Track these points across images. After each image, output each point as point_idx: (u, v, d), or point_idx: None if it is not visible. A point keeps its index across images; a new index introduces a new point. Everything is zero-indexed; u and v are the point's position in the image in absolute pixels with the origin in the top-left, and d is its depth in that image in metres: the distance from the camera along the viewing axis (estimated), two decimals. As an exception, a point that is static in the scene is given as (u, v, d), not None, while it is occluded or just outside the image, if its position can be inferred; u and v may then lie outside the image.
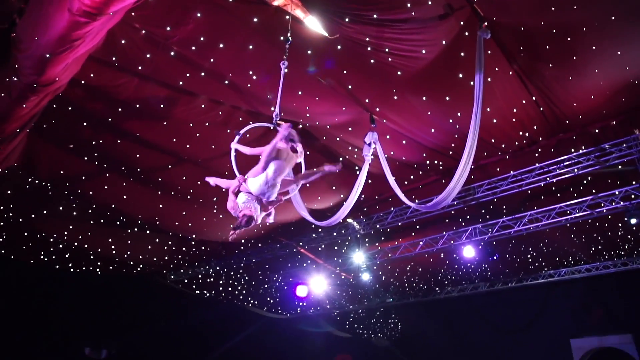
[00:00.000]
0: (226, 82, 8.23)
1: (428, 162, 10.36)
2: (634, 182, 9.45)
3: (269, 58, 7.68)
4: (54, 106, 7.89)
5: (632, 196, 9.40)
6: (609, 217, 10.94)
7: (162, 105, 8.66)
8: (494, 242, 12.05)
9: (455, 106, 8.66)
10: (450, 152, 10.06)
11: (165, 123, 9.04)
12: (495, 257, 12.00)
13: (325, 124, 9.40)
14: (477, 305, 16.92)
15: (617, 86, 8.03)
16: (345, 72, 8.03)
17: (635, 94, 8.21)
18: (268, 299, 18.10)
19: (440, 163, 10.47)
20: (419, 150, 9.98)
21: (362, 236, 12.96)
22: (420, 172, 10.98)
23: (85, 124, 8.79)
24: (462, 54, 7.82)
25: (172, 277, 16.47)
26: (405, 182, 11.15)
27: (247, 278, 16.49)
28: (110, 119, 8.83)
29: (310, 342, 19.93)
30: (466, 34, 7.53)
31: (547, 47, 7.45)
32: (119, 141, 9.39)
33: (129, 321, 15.67)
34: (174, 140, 9.42)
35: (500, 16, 7.22)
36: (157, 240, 13.17)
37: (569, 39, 7.17)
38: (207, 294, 17.54)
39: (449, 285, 16.71)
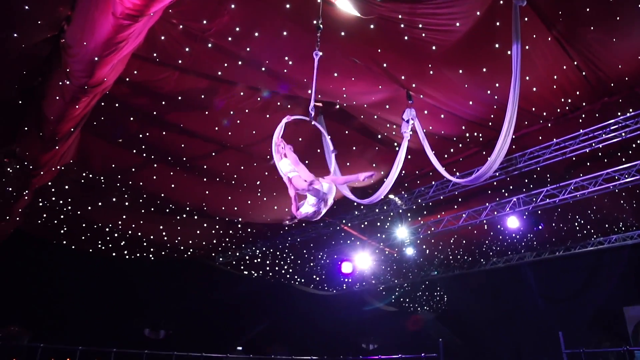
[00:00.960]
0: (263, 69, 8.40)
1: (467, 134, 10.28)
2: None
3: (303, 43, 7.78)
4: (102, 104, 8.30)
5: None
6: None
7: (202, 96, 8.95)
8: (539, 212, 11.88)
9: (493, 77, 8.53)
10: (490, 124, 9.93)
11: (206, 112, 9.34)
12: (540, 227, 11.86)
13: (362, 103, 9.46)
14: (524, 276, 16.75)
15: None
16: (379, 50, 8.03)
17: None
18: (314, 276, 18.56)
19: (480, 135, 10.36)
20: (458, 124, 9.91)
21: (404, 211, 13.04)
22: (460, 145, 10.91)
23: (132, 118, 9.21)
24: (498, 23, 7.67)
25: (221, 259, 17.13)
26: (446, 156, 11.13)
27: (292, 257, 16.94)
28: (155, 112, 9.21)
29: (357, 317, 20.35)
30: (501, 2, 7.36)
31: (587, 9, 7.22)
32: (164, 133, 9.80)
33: (182, 302, 16.50)
34: (216, 128, 9.73)
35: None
36: (205, 225, 13.71)
37: (610, -1, 6.92)
38: (255, 274, 18.14)
39: (494, 256, 16.60)
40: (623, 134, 9.59)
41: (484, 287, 18.25)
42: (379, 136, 10.95)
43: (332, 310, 19.31)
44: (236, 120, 9.66)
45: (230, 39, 7.51)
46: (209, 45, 7.66)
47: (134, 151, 10.11)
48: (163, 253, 15.47)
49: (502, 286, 17.80)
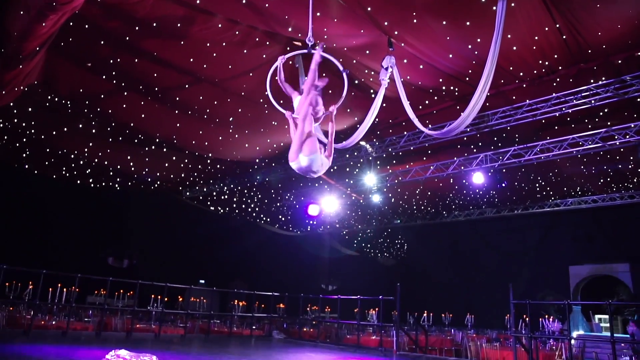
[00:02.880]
0: (244, 1, 8.09)
1: (444, 87, 10.31)
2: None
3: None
4: (71, 24, 7.87)
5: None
6: (621, 150, 11.00)
7: (179, 24, 8.59)
8: (504, 170, 12.25)
9: (476, 32, 8.46)
10: (467, 79, 9.97)
11: (182, 42, 9.01)
12: (504, 184, 12.26)
13: (342, 46, 9.29)
14: (483, 230, 17.49)
15: (644, 14, 7.76)
16: (365, -7, 7.83)
17: (663, 24, 7.95)
18: (280, 216, 18.83)
19: (456, 89, 10.42)
20: (436, 76, 9.91)
21: (374, 159, 13.20)
22: (436, 98, 10.96)
23: (102, 42, 8.79)
24: (487, -24, 7.54)
25: (188, 193, 17.11)
26: (420, 107, 11.16)
27: (259, 196, 17.07)
28: (127, 38, 8.81)
29: (319, 259, 20.99)
30: (493, -45, 7.22)
31: (578, -29, 7.14)
32: (136, 60, 9.44)
33: (147, 233, 16.57)
34: (191, 60, 9.43)
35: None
36: (174, 158, 13.57)
37: (601, -37, 6.86)
38: (221, 211, 18.27)
39: (456, 209, 17.19)
40: (592, 102, 9.82)
41: (443, 238, 18.99)
42: (356, 81, 10.87)
43: (295, 250, 19.80)
44: (212, 53, 9.39)
45: (212, -35, 7.14)
46: (189, -31, 7.28)
47: (104, 77, 9.74)
48: (130, 184, 15.32)
49: (461, 239, 18.56)
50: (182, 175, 15.24)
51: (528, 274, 16.04)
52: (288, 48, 9.87)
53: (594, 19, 8.03)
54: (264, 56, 9.80)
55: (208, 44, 9.14)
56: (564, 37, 8.73)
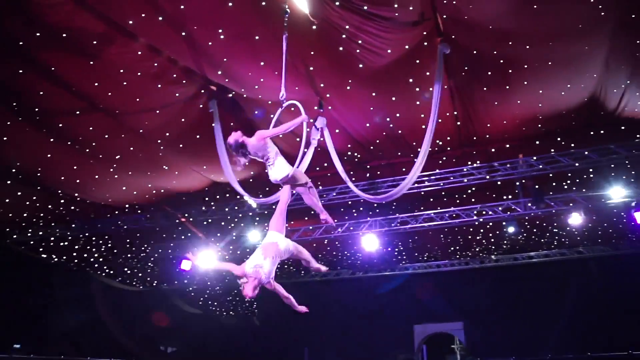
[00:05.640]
0: (183, 33, 7.45)
1: (349, 152, 10.78)
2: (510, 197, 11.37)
3: (246, 20, 7.24)
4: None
5: (512, 207, 11.29)
6: (490, 224, 12.90)
7: (94, 42, 7.44)
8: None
9: (398, 107, 9.23)
10: (372, 147, 10.67)
11: (91, 62, 7.76)
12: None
13: (269, 99, 9.13)
14: (337, 291, 18.10)
15: (525, 117, 9.49)
16: (312, 52, 7.95)
17: (534, 127, 9.81)
18: (127, 269, 16.66)
19: (358, 156, 11.00)
20: (347, 141, 10.33)
21: (257, 215, 12.85)
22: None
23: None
24: (417, 61, 8.39)
25: (15, 236, 14.04)
26: (317, 168, 11.43)
27: (110, 245, 14.93)
28: (21, 42, 7.26)
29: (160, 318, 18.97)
30: (425, 44, 8.09)
31: (489, 72, 8.44)
32: (20, 71, 7.76)
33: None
34: (96, 84, 8.15)
35: (460, 36, 7.93)
36: (19, 193, 11.11)
37: (510, 71, 8.25)
38: (56, 259, 15.38)
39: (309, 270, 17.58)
40: (465, 180, 11.36)
41: (299, 297, 18.96)
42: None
43: (136, 308, 17.59)
44: (123, 82, 8.28)
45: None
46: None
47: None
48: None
49: (314, 300, 18.78)
50: (16, 214, 12.51)
51: (379, 333, 17.04)
52: (202, 91, 9.31)
53: (488, 113, 9.50)
54: (177, 95, 9.04)
55: (122, 70, 8.06)
56: (459, 123, 10.09)
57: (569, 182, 11.42)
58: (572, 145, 10.29)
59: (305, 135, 6.72)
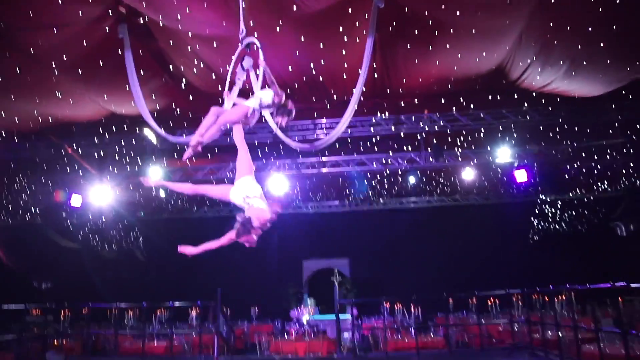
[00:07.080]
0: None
1: (265, 93, 10.51)
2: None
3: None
4: None
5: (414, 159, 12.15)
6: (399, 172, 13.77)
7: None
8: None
9: (323, 54, 9.12)
10: (288, 91, 10.49)
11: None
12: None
13: (189, 30, 8.40)
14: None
15: (439, 77, 10.02)
16: (248, -12, 7.40)
17: (444, 87, 10.44)
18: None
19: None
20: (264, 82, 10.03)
21: (158, 150, 12.09)
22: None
23: None
24: (350, 10, 8.30)
25: None
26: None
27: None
28: None
29: (31, 253, 17.39)
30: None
31: (416, 32, 8.67)
32: None
33: None
34: None
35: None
36: None
37: (436, 32, 8.57)
38: None
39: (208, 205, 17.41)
40: (372, 129, 11.87)
41: (187, 233, 18.61)
42: (171, 68, 9.95)
43: (8, 243, 15.87)
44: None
45: None
46: None
47: None
48: None
49: (208, 233, 18.58)
50: None
51: (271, 266, 17.69)
52: (110, 12, 8.20)
53: (408, 70, 9.85)
54: (80, 13, 7.88)
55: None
56: (376, 74, 10.33)
57: (462, 139, 12.55)
58: (472, 106, 11.21)
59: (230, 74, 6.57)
